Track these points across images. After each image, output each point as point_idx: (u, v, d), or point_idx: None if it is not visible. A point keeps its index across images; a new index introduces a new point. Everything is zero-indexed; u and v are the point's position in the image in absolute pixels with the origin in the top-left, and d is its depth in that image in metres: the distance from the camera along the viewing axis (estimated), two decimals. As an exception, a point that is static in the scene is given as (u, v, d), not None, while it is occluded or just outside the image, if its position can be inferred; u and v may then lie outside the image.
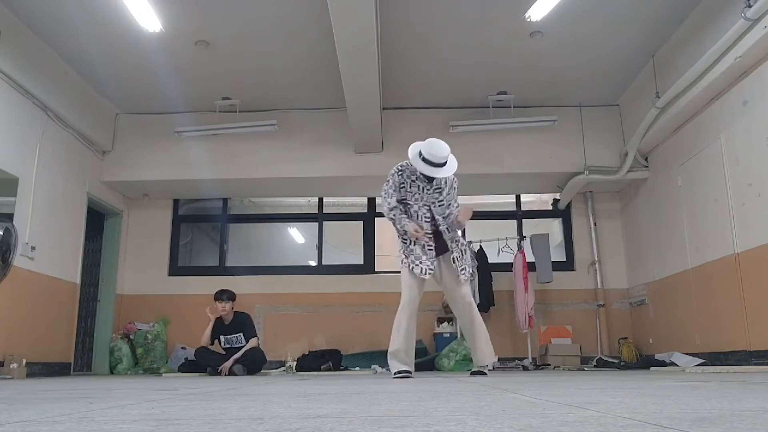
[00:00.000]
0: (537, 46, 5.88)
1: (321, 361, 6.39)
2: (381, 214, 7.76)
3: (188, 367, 5.95)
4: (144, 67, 6.18)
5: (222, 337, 5.85)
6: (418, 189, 4.19)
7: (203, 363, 5.75)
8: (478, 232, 7.53)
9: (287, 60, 6.10)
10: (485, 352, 4.28)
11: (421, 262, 4.13)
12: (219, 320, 5.84)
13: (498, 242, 7.31)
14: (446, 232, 4.22)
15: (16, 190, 5.47)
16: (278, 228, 8.87)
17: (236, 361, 5.60)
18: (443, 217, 4.20)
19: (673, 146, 6.14)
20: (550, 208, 7.86)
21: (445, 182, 4.23)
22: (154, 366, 6.89)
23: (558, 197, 7.63)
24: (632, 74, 6.50)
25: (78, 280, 6.52)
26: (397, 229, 4.22)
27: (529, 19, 5.32)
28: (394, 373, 4.10)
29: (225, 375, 5.48)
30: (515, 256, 7.11)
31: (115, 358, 6.90)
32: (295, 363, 6.37)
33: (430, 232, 4.17)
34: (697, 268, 5.67)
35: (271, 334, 7.24)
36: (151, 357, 6.96)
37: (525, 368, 6.60)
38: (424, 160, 4.03)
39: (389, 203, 4.16)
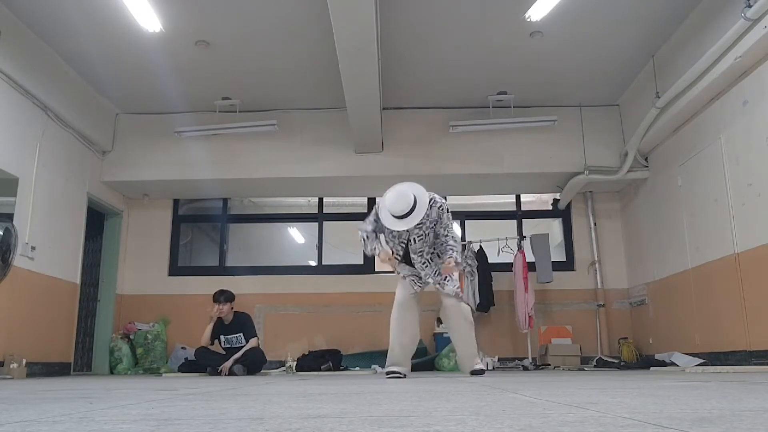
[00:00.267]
0: (537, 46, 5.88)
1: (321, 361, 6.39)
2: (381, 214, 7.84)
3: (188, 367, 5.95)
4: (144, 67, 6.18)
5: (222, 337, 5.85)
6: (397, 234, 4.19)
7: (203, 363, 5.75)
8: (478, 232, 7.54)
9: (287, 60, 6.10)
10: (465, 364, 4.35)
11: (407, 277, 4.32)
12: (219, 320, 5.84)
13: (498, 242, 7.31)
14: (429, 268, 4.25)
15: (16, 190, 5.47)
16: (278, 228, 8.87)
17: (236, 361, 5.59)
18: (420, 253, 4.22)
19: (673, 146, 6.14)
20: (550, 208, 7.85)
21: (427, 215, 4.10)
22: (154, 366, 6.89)
23: (558, 197, 7.63)
24: (632, 74, 6.50)
25: (78, 280, 6.52)
26: (364, 252, 4.35)
27: (529, 19, 5.32)
28: (386, 373, 4.21)
29: (225, 375, 5.48)
30: (515, 256, 7.11)
31: (115, 358, 6.90)
32: (295, 363, 6.36)
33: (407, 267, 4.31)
34: (697, 268, 5.67)
35: (271, 334, 7.24)
36: (151, 357, 6.96)
37: (525, 368, 6.60)
38: (393, 216, 4.00)
39: (365, 229, 4.25)
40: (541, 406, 1.50)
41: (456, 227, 4.28)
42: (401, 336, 4.30)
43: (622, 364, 6.51)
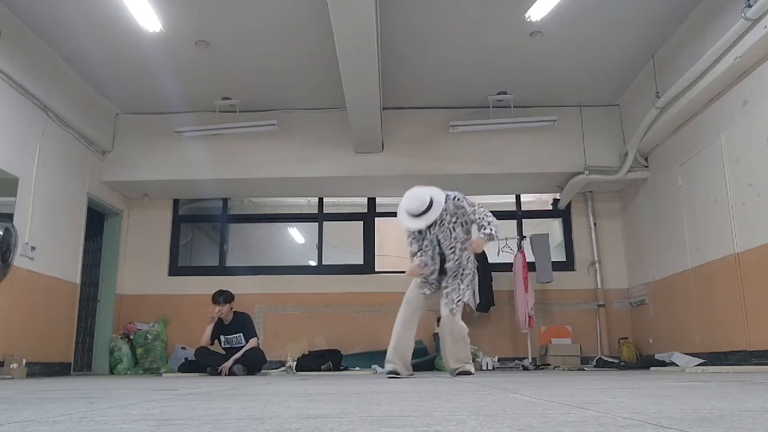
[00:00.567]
0: (537, 46, 5.88)
1: (321, 361, 6.39)
2: (381, 214, 7.85)
3: (188, 367, 5.95)
4: (144, 67, 6.18)
5: (222, 337, 5.85)
6: (426, 233, 4.36)
7: (203, 363, 5.75)
8: (478, 232, 7.52)
9: (287, 60, 6.10)
10: (449, 360, 4.36)
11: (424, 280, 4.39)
12: (219, 320, 5.84)
13: (498, 242, 7.31)
14: (454, 263, 4.32)
15: (16, 190, 5.47)
16: (278, 228, 8.87)
17: (236, 361, 5.60)
18: (451, 248, 4.31)
19: (673, 146, 6.14)
20: (550, 208, 7.85)
21: (445, 210, 4.25)
22: (154, 366, 6.89)
23: (558, 197, 7.63)
24: (632, 74, 6.50)
25: (78, 280, 6.52)
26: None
27: (529, 19, 5.32)
28: (387, 373, 4.31)
29: (225, 375, 5.48)
30: (515, 256, 7.11)
31: (115, 358, 6.90)
32: (295, 363, 6.37)
33: (435, 266, 4.37)
34: (697, 268, 5.67)
35: (271, 334, 7.24)
36: (151, 357, 6.96)
37: (525, 368, 6.60)
38: (410, 215, 4.19)
39: (412, 251, 4.48)
40: (541, 406, 1.50)
41: (485, 210, 4.32)
42: (403, 332, 4.35)
43: (622, 364, 6.51)
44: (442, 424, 1.14)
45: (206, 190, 7.59)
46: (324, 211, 7.90)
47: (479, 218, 4.25)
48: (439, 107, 7.10)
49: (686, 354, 5.67)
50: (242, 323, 5.90)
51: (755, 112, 4.73)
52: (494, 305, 7.10)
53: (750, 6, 4.33)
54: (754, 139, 4.74)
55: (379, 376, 4.94)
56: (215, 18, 5.37)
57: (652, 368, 5.62)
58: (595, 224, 7.55)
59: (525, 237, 7.37)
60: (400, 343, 4.32)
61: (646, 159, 6.77)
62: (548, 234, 7.31)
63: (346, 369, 6.56)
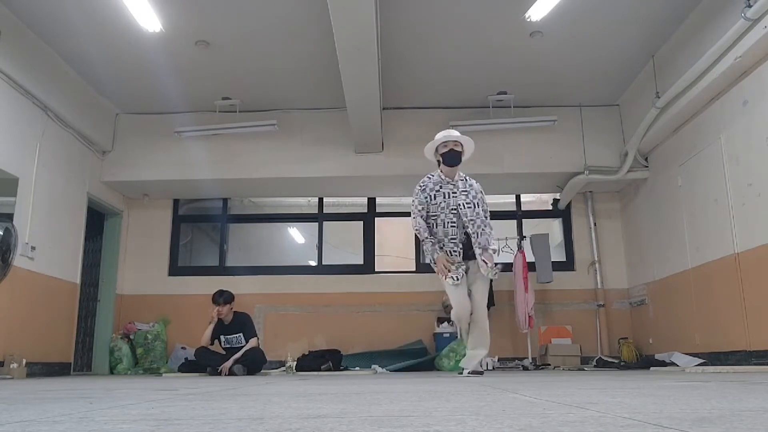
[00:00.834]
0: (537, 46, 5.88)
1: (321, 361, 6.39)
2: (381, 214, 7.85)
3: (188, 367, 5.95)
4: (144, 67, 6.18)
5: (222, 337, 5.86)
6: (444, 197, 4.33)
7: (203, 363, 5.75)
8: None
9: (287, 60, 6.10)
10: (473, 358, 4.39)
11: (449, 271, 4.26)
12: (219, 320, 5.84)
13: (498, 242, 7.31)
14: (479, 238, 4.30)
15: (16, 190, 5.47)
16: (278, 228, 8.87)
17: (236, 361, 5.60)
18: (472, 221, 4.29)
19: (673, 146, 6.14)
20: (550, 208, 7.85)
21: (471, 185, 4.41)
22: (154, 366, 6.89)
23: (558, 197, 7.63)
24: (632, 74, 6.50)
25: (78, 280, 6.52)
26: (424, 249, 4.49)
27: (529, 19, 5.32)
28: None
29: (225, 375, 5.48)
30: (515, 256, 7.11)
31: (115, 358, 6.90)
32: (295, 363, 6.36)
33: (455, 237, 4.30)
34: (697, 268, 5.67)
35: (271, 334, 7.24)
36: (151, 357, 6.96)
37: (525, 368, 6.60)
38: (444, 145, 4.36)
39: (420, 231, 4.34)
40: (541, 406, 1.50)
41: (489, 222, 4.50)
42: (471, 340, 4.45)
43: (622, 364, 6.51)
44: (442, 424, 1.14)
45: (206, 190, 7.59)
46: (324, 211, 7.90)
47: (487, 225, 4.37)
48: (439, 107, 7.10)
49: (686, 354, 5.67)
50: (242, 323, 5.90)
51: (755, 112, 4.73)
52: (494, 305, 7.08)
53: (750, 6, 4.33)
54: (754, 139, 4.74)
55: (379, 376, 4.94)
56: (215, 18, 5.37)
57: (652, 368, 5.62)
58: (595, 224, 7.55)
59: (525, 237, 7.37)
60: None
61: (646, 159, 6.77)
62: (548, 234, 7.32)
63: (346, 369, 6.56)
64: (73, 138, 6.42)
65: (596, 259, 7.44)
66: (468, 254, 4.32)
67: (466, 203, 4.31)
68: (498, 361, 6.78)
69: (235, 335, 5.84)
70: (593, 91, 6.86)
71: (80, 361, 6.87)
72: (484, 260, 4.25)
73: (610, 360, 6.69)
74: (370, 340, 7.16)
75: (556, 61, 6.20)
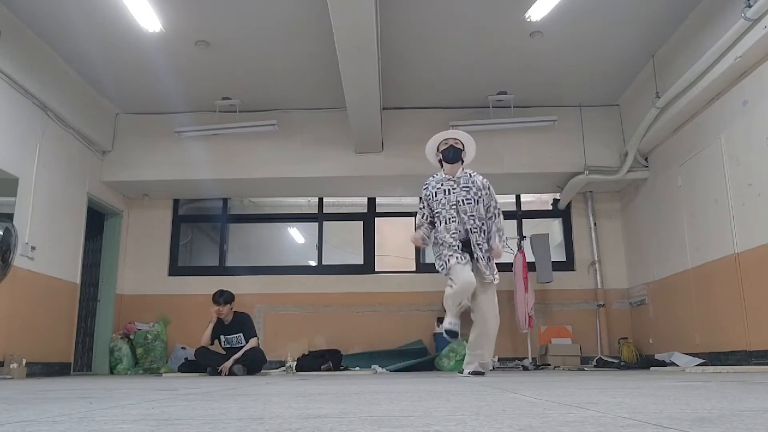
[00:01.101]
0: (537, 46, 5.88)
1: (321, 361, 6.39)
2: (381, 214, 7.86)
3: (188, 367, 5.95)
4: (144, 67, 6.18)
5: (222, 337, 5.85)
6: (445, 193, 4.32)
7: (203, 363, 5.75)
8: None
9: (287, 60, 6.10)
10: (475, 359, 4.31)
11: (454, 252, 4.19)
12: (219, 320, 5.84)
13: (505, 241, 7.30)
14: (478, 237, 4.25)
15: (16, 190, 5.47)
16: (278, 228, 8.87)
17: (236, 361, 5.60)
18: (471, 217, 4.24)
19: (673, 146, 6.14)
20: (550, 208, 7.86)
21: (473, 182, 4.35)
22: (154, 366, 6.89)
23: (558, 197, 7.63)
24: (632, 74, 6.50)
25: (78, 280, 6.52)
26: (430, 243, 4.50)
27: (529, 19, 5.32)
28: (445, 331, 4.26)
29: (225, 375, 5.48)
30: (515, 256, 7.11)
31: (115, 358, 6.90)
32: (295, 363, 6.36)
33: (456, 233, 4.23)
34: (697, 268, 5.67)
35: (271, 334, 7.24)
36: (151, 357, 6.96)
37: (525, 368, 6.60)
38: (444, 142, 4.42)
39: (420, 226, 4.45)
40: (541, 406, 1.50)
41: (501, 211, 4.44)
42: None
43: (622, 364, 6.51)
44: (442, 424, 1.14)
45: (206, 190, 7.59)
46: (324, 211, 7.90)
47: (497, 214, 4.34)
48: (439, 107, 7.10)
49: (686, 354, 5.67)
50: (242, 323, 5.90)
51: (755, 112, 4.73)
52: (494, 305, 7.09)
53: (750, 6, 4.33)
54: (754, 139, 4.74)
55: (379, 376, 4.94)
56: (215, 18, 5.37)
57: (652, 368, 5.62)
58: (595, 224, 7.55)
59: (525, 237, 7.36)
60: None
61: (646, 159, 6.77)
62: (548, 234, 7.31)
63: (346, 369, 6.56)
64: (73, 138, 6.42)
65: (596, 259, 7.44)
66: (467, 250, 4.26)
67: (466, 199, 4.28)
68: (498, 361, 6.77)
69: (235, 335, 5.84)
70: (593, 91, 6.86)
71: (80, 361, 6.87)
72: (489, 257, 4.25)
73: (610, 360, 6.69)
74: (370, 340, 7.16)
75: (556, 61, 6.20)
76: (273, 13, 5.30)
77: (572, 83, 6.69)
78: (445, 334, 4.27)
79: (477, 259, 4.23)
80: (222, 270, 7.67)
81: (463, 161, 4.44)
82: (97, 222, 7.30)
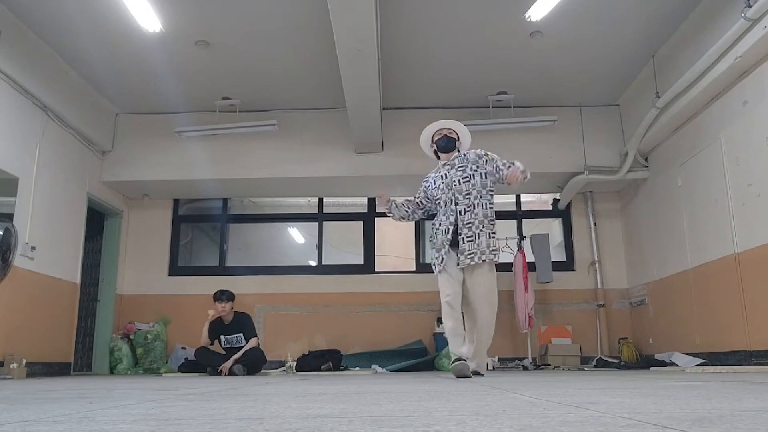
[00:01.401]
0: (537, 46, 5.88)
1: (321, 361, 6.39)
2: (381, 214, 7.85)
3: (188, 367, 5.95)
4: (144, 67, 6.18)
5: (222, 337, 5.86)
6: (443, 178, 4.24)
7: (203, 363, 5.76)
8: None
9: (287, 60, 6.10)
10: (480, 359, 4.15)
11: (441, 254, 4.07)
12: (219, 320, 5.84)
13: (498, 242, 7.31)
14: (471, 215, 4.06)
15: (16, 190, 5.47)
16: (278, 228, 8.87)
17: (236, 361, 5.60)
18: (467, 195, 4.09)
19: (673, 146, 6.14)
20: (550, 208, 7.86)
21: (466, 159, 4.24)
22: (154, 366, 6.89)
23: (558, 197, 7.63)
24: (632, 74, 6.50)
25: (78, 280, 6.52)
26: (398, 215, 4.45)
27: (529, 19, 5.32)
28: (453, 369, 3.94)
29: (225, 375, 5.48)
30: (515, 256, 7.11)
31: (115, 358, 6.90)
32: (295, 363, 6.37)
33: (449, 223, 4.09)
34: (697, 268, 5.67)
35: (271, 334, 7.25)
36: (151, 357, 6.96)
37: (525, 368, 6.60)
38: (438, 132, 4.39)
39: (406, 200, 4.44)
40: (541, 406, 1.50)
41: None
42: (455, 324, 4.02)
43: (622, 364, 6.51)
44: (442, 424, 1.14)
45: (206, 190, 7.59)
46: (324, 211, 7.90)
47: (511, 162, 4.15)
48: (439, 107, 7.09)
49: (686, 354, 5.67)
50: (242, 323, 5.90)
51: (755, 112, 4.74)
52: (494, 305, 7.09)
53: (750, 6, 4.33)
54: (754, 139, 4.74)
55: (379, 376, 4.94)
56: (215, 18, 5.37)
57: (652, 368, 5.62)
58: (595, 224, 7.55)
59: (525, 237, 7.37)
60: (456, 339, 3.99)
61: (646, 159, 6.77)
62: (548, 234, 7.31)
63: (346, 369, 6.57)
64: (73, 138, 6.42)
65: (596, 259, 7.44)
66: (456, 242, 4.07)
67: (463, 178, 4.15)
68: (498, 361, 6.78)
69: (235, 335, 5.84)
70: (593, 91, 6.86)
71: (80, 361, 6.87)
72: (488, 234, 4.05)
73: (610, 360, 6.69)
74: (369, 340, 7.16)
75: (556, 61, 6.20)
76: (273, 14, 5.30)
77: (572, 83, 6.69)
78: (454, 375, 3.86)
79: (462, 240, 4.03)
80: (222, 270, 7.68)
81: (458, 151, 4.37)
82: (97, 222, 7.30)
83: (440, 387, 2.57)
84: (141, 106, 7.11)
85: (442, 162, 4.35)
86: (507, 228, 7.65)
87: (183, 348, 7.04)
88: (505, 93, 6.83)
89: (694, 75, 5.19)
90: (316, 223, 7.84)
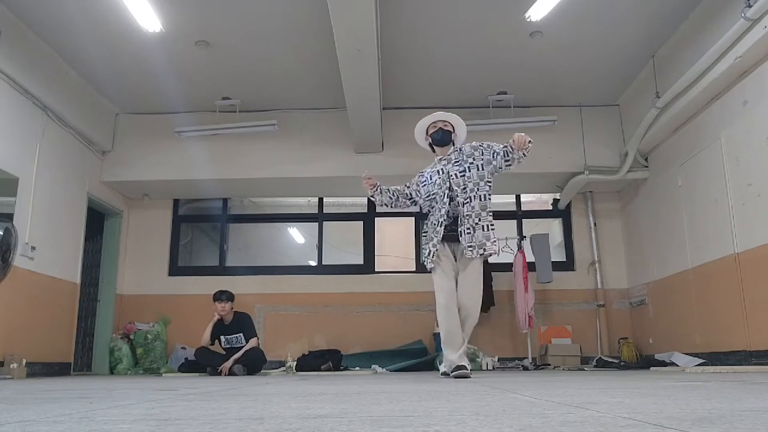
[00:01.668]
0: (537, 46, 5.88)
1: (321, 361, 6.39)
2: (381, 214, 7.85)
3: (188, 367, 5.95)
4: (144, 67, 6.18)
5: (222, 337, 5.86)
6: (439, 173, 4.21)
7: (203, 363, 5.76)
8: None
9: (287, 60, 6.10)
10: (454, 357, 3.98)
11: (433, 249, 4.04)
12: (219, 320, 5.84)
13: (498, 242, 7.30)
14: (469, 207, 4.05)
15: (16, 190, 5.47)
16: (278, 228, 8.87)
17: (236, 361, 5.60)
18: (464, 188, 4.08)
19: (673, 146, 6.14)
20: (550, 208, 7.86)
21: (461, 152, 4.21)
22: (154, 366, 6.89)
23: (558, 197, 7.63)
24: (632, 74, 6.50)
25: (78, 280, 6.52)
26: (381, 200, 4.37)
27: (529, 19, 5.33)
28: (446, 374, 3.96)
29: (225, 375, 5.48)
30: (515, 256, 7.11)
31: (115, 358, 6.90)
32: (295, 363, 6.37)
33: (443, 218, 4.07)
34: (697, 268, 5.67)
35: (271, 334, 7.25)
36: (151, 357, 6.96)
37: (525, 368, 6.60)
38: (432, 125, 4.29)
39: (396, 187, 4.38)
40: (541, 406, 1.50)
41: None
42: (450, 337, 3.96)
43: (622, 364, 6.51)
44: (442, 424, 1.14)
45: (206, 190, 7.59)
46: (324, 211, 7.90)
47: (504, 145, 4.11)
48: (439, 107, 7.02)
49: (686, 354, 5.67)
50: (242, 323, 5.90)
51: (755, 112, 4.74)
52: (494, 305, 7.10)
53: (750, 6, 4.33)
54: (754, 139, 4.74)
55: (379, 376, 4.94)
56: (215, 18, 5.37)
57: (652, 368, 5.62)
58: (595, 224, 7.55)
59: (525, 237, 7.37)
60: (449, 337, 3.94)
61: (646, 159, 6.77)
62: (548, 234, 7.31)
63: (346, 369, 6.57)
64: (73, 138, 6.42)
65: (596, 259, 7.44)
66: (451, 236, 4.07)
67: (460, 172, 4.12)
68: (498, 361, 6.78)
69: (235, 335, 5.84)
70: (593, 91, 6.86)
71: (80, 361, 6.87)
72: (485, 226, 4.05)
73: (610, 360, 6.69)
74: (369, 340, 7.16)
75: (556, 61, 6.20)
76: (273, 14, 5.30)
77: (572, 83, 6.69)
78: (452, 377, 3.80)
79: (461, 233, 4.03)
80: (222, 270, 7.68)
81: (454, 144, 4.30)
82: (97, 222, 7.30)
83: (440, 387, 2.57)
84: (141, 106, 7.11)
85: (439, 157, 4.31)
86: (507, 228, 7.64)
87: (183, 348, 7.04)
88: (505, 93, 6.83)
89: (694, 75, 5.19)
90: (316, 223, 7.84)
